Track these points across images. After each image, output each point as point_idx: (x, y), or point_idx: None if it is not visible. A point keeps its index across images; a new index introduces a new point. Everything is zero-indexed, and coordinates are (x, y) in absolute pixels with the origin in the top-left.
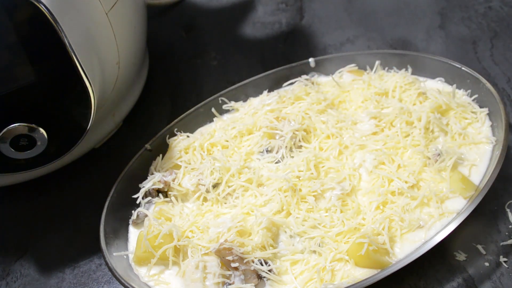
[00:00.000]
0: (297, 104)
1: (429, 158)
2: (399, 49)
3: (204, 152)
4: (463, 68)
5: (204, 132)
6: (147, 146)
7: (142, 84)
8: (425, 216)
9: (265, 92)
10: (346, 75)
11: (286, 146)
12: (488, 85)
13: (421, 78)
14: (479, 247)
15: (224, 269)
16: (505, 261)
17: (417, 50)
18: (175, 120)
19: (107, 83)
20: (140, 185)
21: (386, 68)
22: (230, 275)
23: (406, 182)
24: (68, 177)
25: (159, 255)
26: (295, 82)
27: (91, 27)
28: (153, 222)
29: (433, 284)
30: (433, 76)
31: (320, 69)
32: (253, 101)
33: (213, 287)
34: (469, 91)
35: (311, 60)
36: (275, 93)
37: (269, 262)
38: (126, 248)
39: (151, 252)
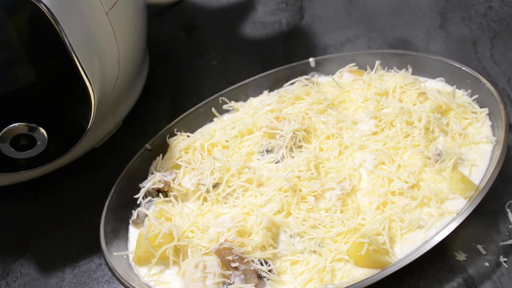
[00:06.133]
0: (297, 104)
1: (429, 158)
2: (399, 49)
3: (204, 152)
4: (463, 68)
5: (204, 132)
6: (147, 146)
7: (142, 84)
8: (425, 216)
9: (265, 92)
10: (346, 75)
11: (286, 146)
12: (488, 85)
13: (421, 78)
14: (479, 247)
15: (224, 269)
16: (505, 261)
17: (417, 50)
18: (175, 120)
19: (107, 83)
20: (140, 185)
21: (386, 68)
22: (230, 275)
23: (406, 182)
24: (68, 177)
25: (159, 255)
26: (295, 82)
27: (91, 27)
28: (153, 221)
29: (433, 284)
30: (433, 76)
31: (320, 69)
32: (253, 101)
33: (213, 287)
34: (469, 91)
35: (311, 60)
36: (275, 93)
37: (269, 262)
38: (126, 248)
39: (151, 252)
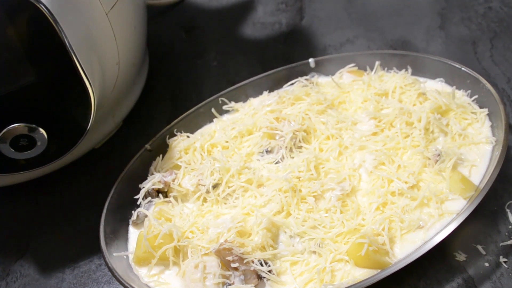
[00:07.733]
0: (297, 105)
1: (429, 159)
2: (399, 49)
3: (204, 152)
4: (463, 69)
5: (204, 132)
6: (147, 146)
7: (142, 84)
8: (425, 217)
9: (265, 93)
10: (346, 76)
11: (286, 147)
12: (488, 85)
13: (421, 79)
14: (479, 247)
15: (224, 269)
16: (505, 262)
17: (417, 50)
18: (175, 120)
19: (107, 83)
20: (140, 186)
21: (386, 69)
22: (230, 275)
23: (406, 182)
24: (68, 177)
25: (159, 256)
26: (295, 82)
27: (91, 27)
28: (153, 222)
29: (433, 284)
30: (433, 77)
31: (320, 69)
32: (253, 102)
33: (213, 287)
34: (469, 91)
35: (311, 60)
36: (275, 93)
37: (269, 262)
38: (126, 249)
39: (151, 252)
